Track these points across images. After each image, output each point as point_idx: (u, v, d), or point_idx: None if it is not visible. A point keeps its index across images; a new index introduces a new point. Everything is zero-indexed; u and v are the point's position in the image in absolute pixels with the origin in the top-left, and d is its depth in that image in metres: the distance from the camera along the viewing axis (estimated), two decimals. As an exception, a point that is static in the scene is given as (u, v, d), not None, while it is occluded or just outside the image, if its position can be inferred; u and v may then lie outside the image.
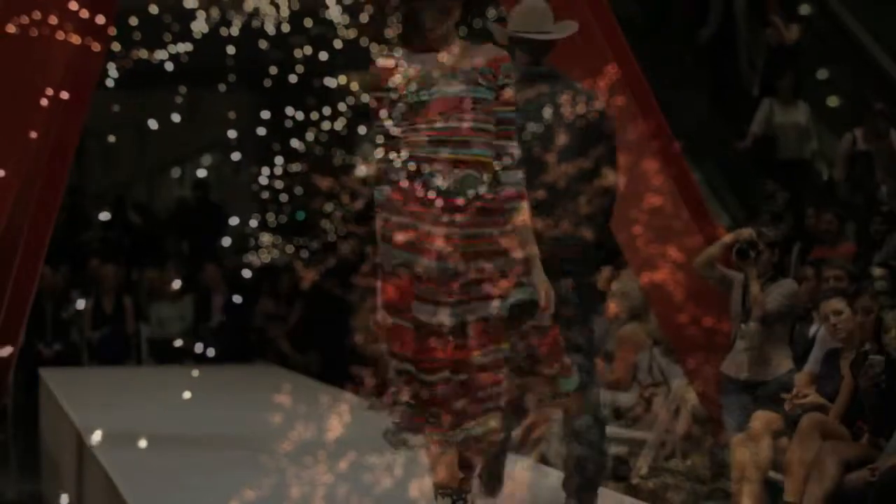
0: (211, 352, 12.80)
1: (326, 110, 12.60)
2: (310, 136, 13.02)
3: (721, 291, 8.14)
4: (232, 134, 14.34)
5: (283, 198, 13.75)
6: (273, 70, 12.49)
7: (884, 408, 6.91)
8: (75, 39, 7.57)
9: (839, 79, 13.10)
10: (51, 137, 7.82)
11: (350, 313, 13.27)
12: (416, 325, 5.00)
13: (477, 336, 4.96)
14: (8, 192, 7.60)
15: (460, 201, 4.99)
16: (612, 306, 9.74)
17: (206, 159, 18.76)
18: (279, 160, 13.18)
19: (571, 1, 8.04)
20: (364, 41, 11.65)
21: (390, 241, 5.05)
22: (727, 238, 8.05)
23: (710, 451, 8.45)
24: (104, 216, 15.95)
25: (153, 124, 11.76)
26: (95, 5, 7.68)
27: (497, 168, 5.06)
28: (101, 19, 7.73)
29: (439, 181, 4.98)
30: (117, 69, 9.74)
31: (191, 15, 10.06)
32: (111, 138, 16.31)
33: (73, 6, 7.57)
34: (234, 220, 14.93)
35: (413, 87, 5.02)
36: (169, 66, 10.78)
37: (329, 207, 13.45)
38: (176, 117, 11.71)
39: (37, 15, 7.40)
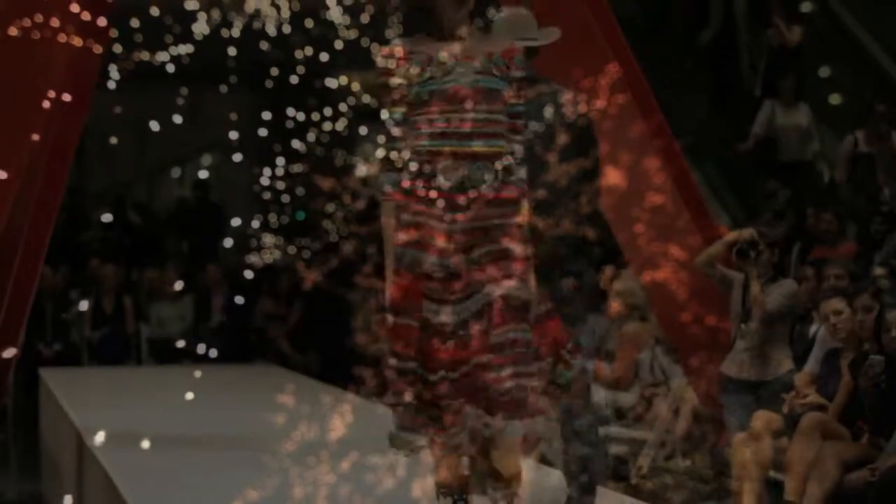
0: (213, 352, 12.79)
1: (327, 111, 12.58)
2: (311, 136, 13.01)
3: (721, 291, 8.14)
4: (233, 135, 14.32)
5: (285, 198, 13.73)
6: (274, 71, 12.48)
7: (884, 408, 6.91)
8: (75, 41, 7.57)
9: (840, 80, 13.09)
10: (51, 138, 7.82)
11: (350, 313, 13.32)
12: (422, 325, 4.95)
13: (496, 317, 4.88)
14: (8, 192, 7.61)
15: (471, 195, 4.94)
16: (614, 305, 9.74)
17: (207, 159, 18.75)
18: (280, 161, 13.17)
19: (571, 1, 8.08)
20: (365, 41, 11.65)
21: (402, 242, 5.02)
22: (728, 237, 8.06)
23: (710, 450, 8.45)
24: (104, 216, 15.95)
25: (154, 125, 11.75)
26: (94, 7, 7.68)
27: (498, 167, 5.05)
28: (99, 20, 7.74)
29: (448, 174, 4.94)
30: (118, 71, 9.75)
31: (192, 16, 10.05)
32: (113, 140, 16.30)
33: (72, 8, 7.57)
34: (235, 221, 14.90)
35: (427, 74, 4.98)
36: (170, 68, 10.77)
37: (330, 208, 13.45)
38: (177, 118, 11.69)
39: (36, 17, 7.41)
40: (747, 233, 7.99)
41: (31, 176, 7.80)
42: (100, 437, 7.97)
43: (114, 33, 8.87)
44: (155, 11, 10.12)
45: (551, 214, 5.62)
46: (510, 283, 4.93)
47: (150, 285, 14.94)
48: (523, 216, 5.07)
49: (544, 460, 6.78)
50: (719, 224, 9.75)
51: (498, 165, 5.00)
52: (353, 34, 10.87)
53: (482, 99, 4.98)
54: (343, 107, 12.60)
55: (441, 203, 4.94)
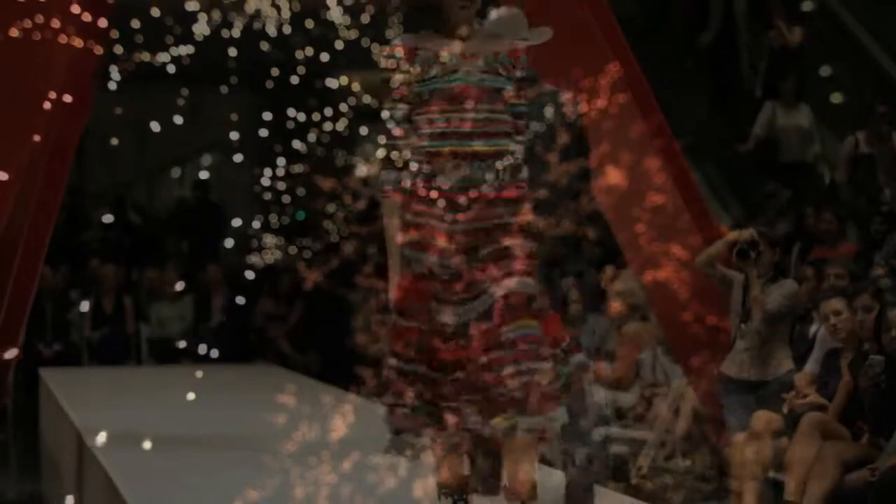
0: (215, 353, 12.78)
1: (328, 111, 12.58)
2: (311, 136, 13.02)
3: (721, 291, 8.14)
4: (234, 135, 14.32)
5: (285, 199, 13.74)
6: (275, 71, 12.48)
7: (884, 408, 6.91)
8: (76, 42, 7.58)
9: (841, 81, 13.08)
10: (51, 138, 7.83)
11: (350, 313, 13.32)
12: (428, 326, 4.95)
13: (498, 315, 4.87)
14: (8, 192, 7.61)
15: (472, 195, 4.93)
16: (615, 305, 9.74)
17: (207, 159, 18.75)
18: (281, 161, 13.17)
19: (572, 1, 8.07)
20: (365, 42, 11.65)
21: (403, 243, 5.01)
22: (728, 238, 8.06)
23: (710, 450, 8.45)
24: (105, 217, 15.94)
25: (155, 126, 11.76)
26: (95, 8, 7.68)
27: (499, 167, 5.03)
28: (100, 22, 7.74)
29: (449, 173, 4.93)
30: (119, 71, 9.75)
31: (192, 17, 10.06)
32: (114, 141, 16.30)
33: (72, 9, 7.57)
34: (236, 222, 14.90)
35: (433, 72, 4.98)
36: (171, 69, 10.78)
37: (331, 208, 13.44)
38: (178, 119, 11.70)
39: (36, 18, 7.40)
40: (747, 233, 7.99)
41: (31, 176, 7.80)
42: (101, 437, 7.97)
43: (115, 34, 8.88)
44: (156, 12, 10.13)
45: (550, 214, 5.62)
46: (513, 282, 4.91)
47: (150, 285, 14.94)
48: (526, 215, 5.06)
49: (544, 460, 6.79)
50: (719, 224, 9.76)
51: (499, 165, 4.99)
52: (353, 34, 10.88)
53: (487, 98, 4.97)
54: (343, 107, 12.60)
55: (442, 203, 4.93)
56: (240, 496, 6.22)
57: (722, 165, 13.15)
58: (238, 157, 15.43)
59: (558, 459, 7.13)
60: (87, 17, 7.66)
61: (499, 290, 4.88)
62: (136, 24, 10.25)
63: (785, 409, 7.54)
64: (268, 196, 13.57)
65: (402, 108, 5.01)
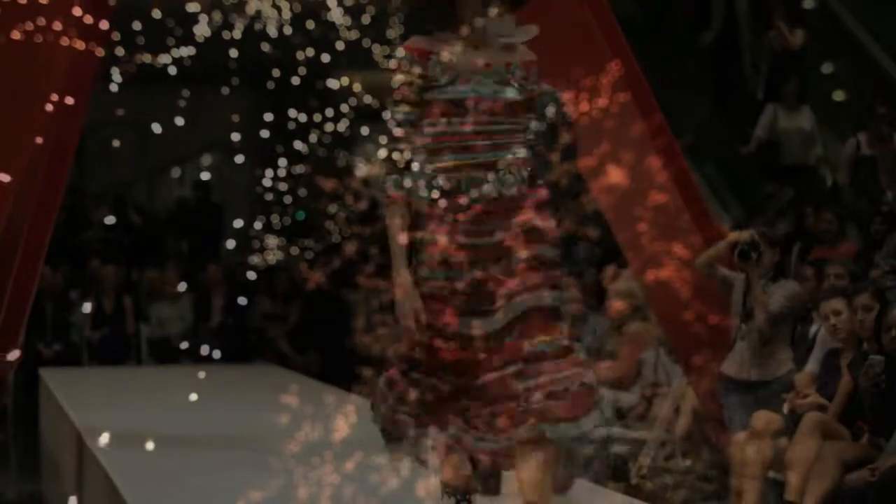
0: (217, 354, 12.78)
1: (329, 112, 12.58)
2: (312, 137, 13.02)
3: (721, 292, 8.15)
4: (235, 136, 14.31)
5: (287, 199, 13.74)
6: (276, 72, 12.48)
7: (884, 408, 6.90)
8: (77, 44, 7.58)
9: (842, 82, 13.08)
10: (50, 138, 7.83)
11: (350, 313, 13.32)
12: (452, 339, 4.84)
13: (527, 328, 4.77)
14: (8, 192, 7.61)
15: (495, 206, 4.84)
16: (616, 305, 9.74)
17: (207, 160, 18.75)
18: (282, 162, 13.17)
19: (572, 1, 8.08)
20: (366, 42, 11.65)
21: (420, 258, 4.89)
22: (728, 239, 8.06)
23: (710, 450, 8.45)
24: (108, 218, 15.93)
25: (157, 128, 11.77)
26: (93, 9, 7.68)
27: (520, 175, 4.89)
28: (98, 22, 7.73)
29: (471, 187, 4.83)
30: (121, 73, 9.76)
31: (193, 19, 10.06)
32: (115, 143, 16.31)
33: (70, 10, 7.57)
34: (238, 223, 14.90)
35: (445, 79, 4.86)
36: (172, 70, 10.79)
37: (332, 208, 13.44)
38: (179, 120, 11.71)
39: (38, 20, 7.40)
40: (747, 234, 7.99)
41: (31, 176, 7.80)
42: (104, 439, 7.97)
43: (116, 36, 8.89)
44: (157, 14, 10.15)
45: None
46: (542, 293, 4.82)
47: (150, 285, 14.93)
48: (547, 221, 4.95)
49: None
50: (720, 224, 9.76)
51: (520, 173, 4.89)
52: (354, 35, 10.88)
53: (501, 110, 4.87)
54: (344, 107, 12.61)
55: (467, 217, 4.83)
56: (240, 496, 6.23)
57: (722, 165, 13.15)
58: (239, 158, 15.44)
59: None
60: (88, 20, 7.66)
61: (529, 300, 4.79)
62: (137, 25, 10.27)
63: (785, 409, 7.54)
64: (269, 197, 13.58)
65: (410, 112, 4.88)
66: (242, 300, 14.33)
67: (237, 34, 10.37)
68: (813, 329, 8.02)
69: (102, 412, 9.24)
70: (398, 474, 6.16)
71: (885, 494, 6.54)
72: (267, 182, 13.30)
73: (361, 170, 15.07)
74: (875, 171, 10.74)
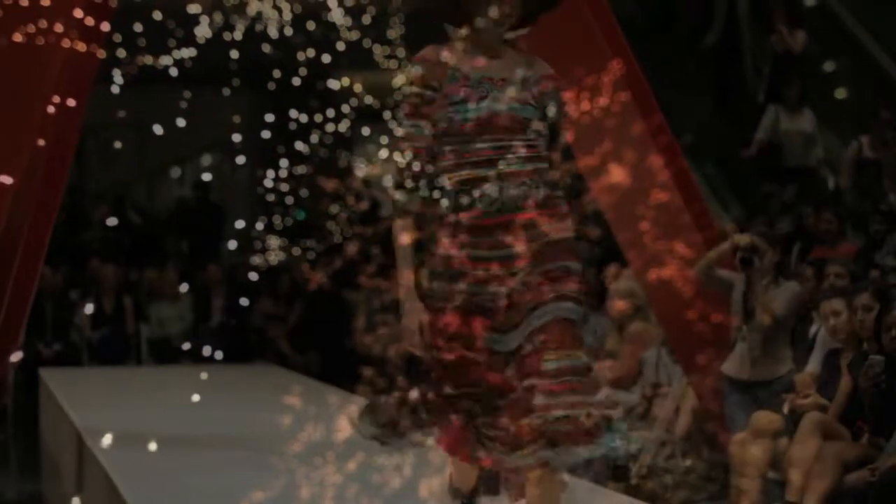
0: (219, 355, 12.77)
1: (330, 112, 12.59)
2: (314, 138, 13.03)
3: (721, 292, 8.16)
4: (236, 137, 14.31)
5: (288, 200, 13.75)
6: (276, 73, 12.49)
7: (884, 408, 6.90)
8: (77, 46, 7.58)
9: (842, 83, 13.09)
10: (50, 139, 7.83)
11: (350, 313, 13.32)
12: (486, 358, 4.74)
13: (552, 339, 4.66)
14: (8, 192, 7.61)
15: (516, 216, 4.74)
16: (618, 304, 9.73)
17: (207, 160, 18.76)
18: (283, 162, 13.18)
19: (572, 1, 8.07)
20: (367, 43, 11.66)
21: (454, 276, 4.77)
22: (727, 244, 8.07)
23: (710, 451, 8.45)
24: (110, 220, 15.93)
25: (158, 129, 11.77)
26: (96, 12, 7.68)
27: (539, 184, 4.80)
28: (99, 24, 7.73)
29: (488, 199, 4.73)
30: (122, 75, 9.77)
31: (194, 20, 10.07)
32: (117, 144, 16.31)
33: (72, 12, 7.57)
34: (239, 223, 14.90)
35: (460, 95, 4.76)
36: (173, 71, 10.81)
37: (333, 208, 13.45)
38: (181, 121, 11.71)
39: (39, 22, 7.40)
40: (746, 239, 8.00)
41: (30, 176, 7.80)
42: (107, 440, 7.97)
43: (117, 38, 8.89)
44: (158, 16, 10.16)
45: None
46: (564, 305, 4.73)
47: (150, 285, 14.94)
48: (568, 231, 4.87)
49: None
50: (722, 224, 9.76)
51: (539, 181, 4.79)
52: (354, 35, 10.89)
53: (518, 126, 4.76)
54: (345, 108, 12.62)
55: (494, 229, 4.75)
56: (241, 496, 6.22)
57: (722, 165, 13.16)
58: (241, 159, 15.46)
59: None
60: (89, 21, 7.66)
61: (550, 312, 4.69)
62: (138, 27, 10.28)
63: (785, 409, 7.53)
64: (271, 197, 13.59)
65: (421, 127, 4.79)
66: (244, 301, 14.33)
67: (238, 35, 10.38)
68: (813, 329, 8.03)
69: (102, 412, 9.24)
70: (400, 474, 6.16)
71: (885, 494, 6.54)
72: (268, 183, 13.31)
73: (362, 170, 15.09)
74: (878, 174, 10.74)
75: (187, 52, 10.51)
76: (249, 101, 16.17)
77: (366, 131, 13.82)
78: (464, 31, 4.82)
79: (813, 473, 6.93)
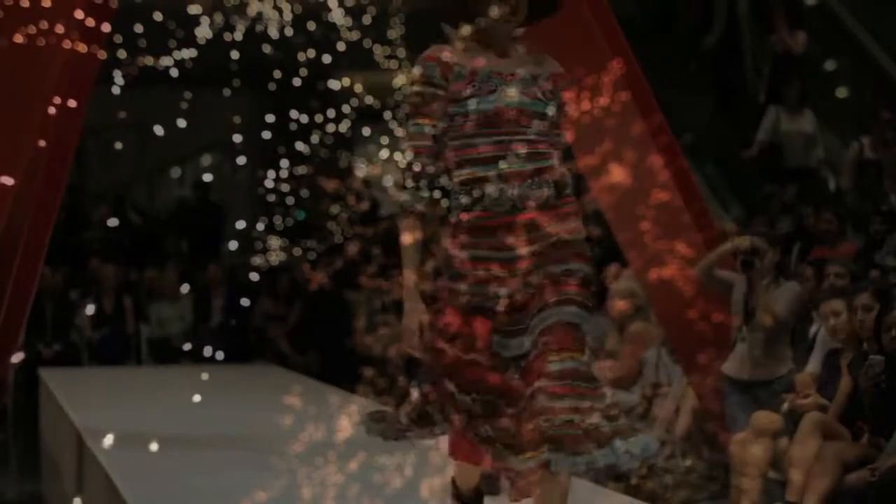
0: (220, 355, 12.77)
1: (331, 113, 12.60)
2: (314, 138, 13.03)
3: (721, 292, 8.16)
4: (237, 138, 14.31)
5: (289, 200, 13.75)
6: (277, 73, 12.49)
7: (884, 408, 6.89)
8: (78, 47, 7.58)
9: (842, 83, 13.09)
10: (51, 139, 7.83)
11: (349, 313, 13.32)
12: (490, 361, 4.68)
13: (555, 341, 4.60)
14: (8, 192, 7.60)
15: (525, 216, 4.67)
16: (619, 304, 9.73)
17: (207, 159, 18.76)
18: (284, 163, 13.19)
19: (572, 1, 8.07)
20: (367, 43, 11.66)
21: (455, 276, 4.71)
22: (727, 245, 8.07)
23: (710, 451, 8.44)
24: (111, 221, 15.93)
25: (159, 130, 11.78)
26: (96, 13, 7.69)
27: (550, 182, 4.72)
28: (100, 25, 7.74)
29: (498, 197, 4.67)
30: (123, 76, 9.77)
31: (195, 21, 10.08)
32: (118, 145, 16.31)
33: (72, 13, 7.57)
34: (240, 224, 14.90)
35: (468, 91, 4.70)
36: (174, 72, 10.82)
37: (333, 209, 13.45)
38: (181, 122, 11.72)
39: (40, 24, 7.40)
40: (746, 242, 8.00)
41: (31, 176, 7.80)
42: (108, 440, 7.97)
43: (118, 39, 8.89)
44: (158, 16, 10.16)
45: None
46: (570, 309, 4.66)
47: (150, 285, 14.94)
48: (580, 233, 4.79)
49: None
50: (722, 224, 9.76)
51: (547, 183, 4.71)
52: (355, 36, 10.89)
53: (527, 121, 4.70)
54: (346, 108, 12.62)
55: (496, 229, 4.68)
56: (241, 496, 6.23)
57: (723, 166, 13.16)
58: (241, 160, 15.46)
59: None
60: (90, 22, 7.66)
61: (555, 315, 4.62)
62: (139, 28, 10.29)
63: (784, 409, 7.53)
64: (272, 198, 13.59)
65: (428, 125, 4.72)
66: (245, 301, 14.33)
67: (238, 36, 10.38)
68: (813, 329, 8.02)
69: (102, 412, 9.24)
70: (402, 474, 6.17)
71: (885, 494, 6.53)
72: (269, 183, 13.31)
73: (363, 170, 15.09)
74: (879, 175, 10.74)
75: (188, 53, 10.53)
76: (250, 101, 16.17)
77: (366, 132, 13.82)
78: (471, 30, 4.77)
79: (813, 473, 6.92)
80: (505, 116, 4.68)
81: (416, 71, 4.77)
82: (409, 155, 4.76)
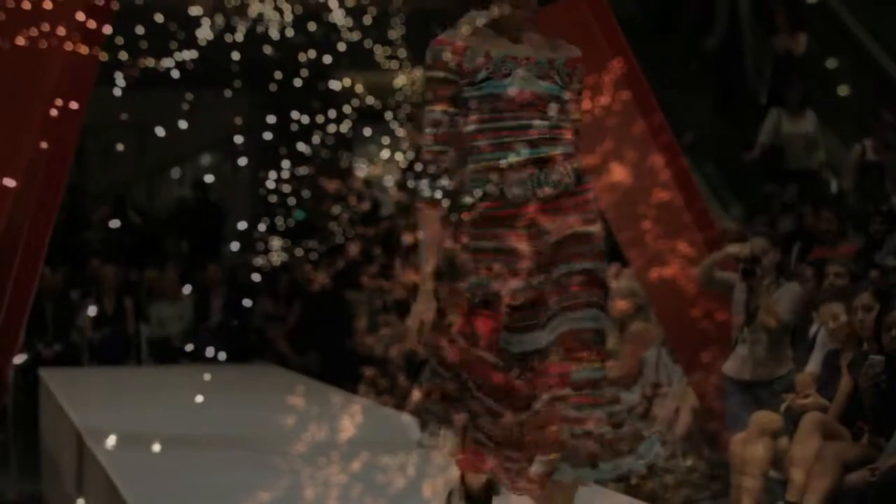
0: (223, 356, 12.77)
1: (332, 113, 12.61)
2: (315, 139, 13.04)
3: (722, 293, 8.16)
4: (238, 139, 14.32)
5: (290, 201, 13.76)
6: (278, 74, 12.51)
7: (884, 408, 6.88)
8: (80, 48, 7.58)
9: (843, 83, 13.09)
10: (51, 140, 7.83)
11: (349, 313, 13.32)
12: (500, 359, 4.58)
13: (578, 349, 4.52)
14: (8, 192, 7.61)
15: (536, 205, 4.58)
16: (619, 304, 9.73)
17: (206, 159, 18.77)
18: (285, 163, 13.20)
19: (572, 1, 8.08)
20: (368, 43, 11.67)
21: (460, 272, 4.62)
22: (726, 251, 8.08)
23: (710, 450, 8.44)
24: (112, 222, 15.93)
25: (160, 131, 11.80)
26: (97, 15, 7.69)
27: (568, 170, 4.65)
28: (101, 27, 7.74)
29: (516, 185, 4.58)
30: (124, 77, 9.79)
31: (196, 22, 10.09)
32: (119, 146, 16.33)
33: (74, 15, 7.58)
34: (242, 225, 14.90)
35: (483, 74, 4.63)
36: (175, 73, 10.83)
37: (335, 209, 13.45)
38: (183, 123, 11.73)
39: (42, 26, 7.41)
40: (746, 249, 8.01)
41: (31, 177, 7.80)
42: (107, 440, 7.98)
43: (119, 40, 8.90)
44: (159, 18, 10.18)
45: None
46: (592, 312, 4.57)
47: (150, 285, 14.93)
48: (596, 225, 4.68)
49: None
50: (723, 223, 9.75)
51: (568, 167, 4.64)
52: (355, 36, 10.91)
53: (543, 105, 4.62)
54: (347, 109, 12.63)
55: (510, 218, 4.59)
56: (241, 496, 6.22)
57: (724, 166, 13.16)
58: (242, 161, 15.46)
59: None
60: (91, 25, 7.66)
61: (572, 321, 4.53)
62: (140, 30, 10.30)
63: (782, 408, 7.53)
64: (273, 199, 13.60)
65: (444, 112, 4.65)
66: (247, 302, 14.32)
67: (239, 37, 10.40)
68: (813, 329, 8.02)
69: (102, 412, 9.24)
70: (404, 474, 6.17)
71: (885, 494, 6.53)
72: (270, 184, 13.32)
73: (364, 170, 15.10)
74: (881, 177, 10.73)
75: (189, 55, 10.54)
76: (251, 102, 16.18)
77: (367, 132, 13.81)
78: (484, 17, 4.71)
79: (813, 473, 6.92)
80: (520, 100, 4.61)
81: (428, 56, 4.69)
82: (425, 142, 4.68)
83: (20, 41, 7.37)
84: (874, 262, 8.90)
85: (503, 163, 4.59)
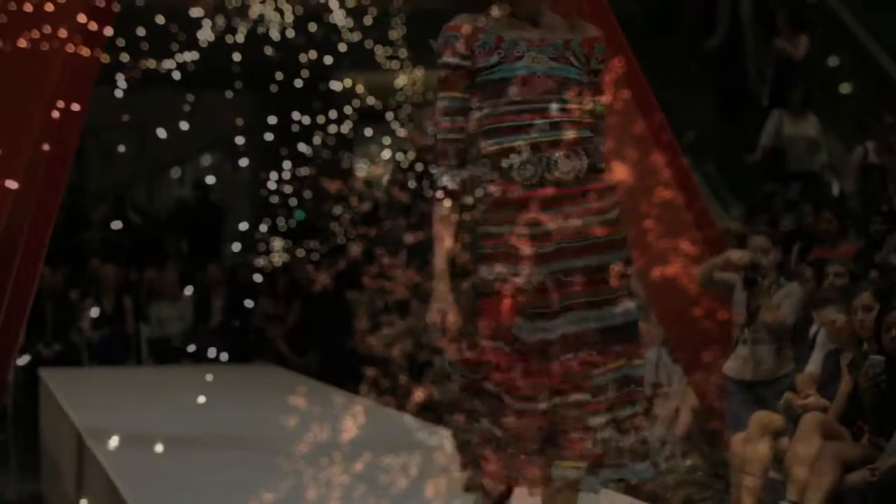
0: (224, 356, 12.76)
1: (332, 113, 12.63)
2: (316, 139, 13.06)
3: (722, 293, 8.17)
4: (239, 139, 14.34)
5: (292, 202, 13.77)
6: (279, 75, 12.52)
7: (884, 408, 6.89)
8: (81, 50, 7.59)
9: (843, 84, 13.09)
10: (51, 140, 7.84)
11: (349, 313, 13.33)
12: (514, 348, 4.46)
13: (599, 351, 4.45)
14: (8, 192, 7.61)
15: (549, 191, 4.48)
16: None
17: (207, 160, 18.79)
18: (286, 164, 13.21)
19: (572, 1, 8.07)
20: (368, 44, 11.68)
21: (480, 257, 4.50)
22: (730, 256, 8.09)
23: (710, 450, 8.44)
24: (114, 223, 15.94)
25: (161, 132, 11.81)
26: (98, 17, 7.70)
27: (583, 155, 4.56)
28: (102, 28, 7.75)
29: (527, 169, 4.47)
30: (126, 79, 9.80)
31: (197, 24, 10.11)
32: (120, 147, 16.35)
33: (75, 16, 7.58)
34: (243, 226, 14.91)
35: (494, 59, 4.53)
36: (176, 75, 10.85)
37: (336, 209, 13.46)
38: (184, 124, 11.74)
39: (43, 28, 7.42)
40: (747, 257, 8.01)
41: (31, 177, 7.81)
42: (107, 440, 7.98)
43: (121, 42, 8.91)
44: (160, 20, 10.20)
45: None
46: (627, 305, 4.51)
47: (150, 285, 14.94)
48: (615, 211, 4.63)
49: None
50: (724, 223, 9.75)
51: (581, 152, 4.56)
52: (356, 37, 10.92)
53: (557, 88, 4.52)
54: (348, 109, 12.65)
55: (525, 203, 4.48)
56: (241, 497, 6.22)
57: (724, 167, 13.16)
58: (244, 161, 15.47)
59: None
60: (92, 26, 7.67)
61: (594, 319, 4.45)
62: (141, 31, 10.32)
63: (781, 408, 7.53)
64: (274, 199, 13.61)
65: (456, 99, 4.56)
66: (248, 302, 14.33)
67: (240, 38, 10.41)
68: (813, 329, 8.03)
69: (102, 412, 9.24)
70: (406, 474, 6.17)
71: (885, 494, 6.53)
72: (271, 185, 13.33)
73: (365, 171, 15.11)
74: (884, 179, 10.74)
75: (190, 56, 10.56)
76: (252, 103, 16.19)
77: (368, 132, 13.83)
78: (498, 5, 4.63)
79: (813, 473, 6.92)
80: (533, 83, 4.52)
81: (439, 42, 4.62)
82: (439, 132, 4.60)
83: (22, 43, 7.38)
84: (874, 262, 8.91)
85: (515, 145, 4.50)
